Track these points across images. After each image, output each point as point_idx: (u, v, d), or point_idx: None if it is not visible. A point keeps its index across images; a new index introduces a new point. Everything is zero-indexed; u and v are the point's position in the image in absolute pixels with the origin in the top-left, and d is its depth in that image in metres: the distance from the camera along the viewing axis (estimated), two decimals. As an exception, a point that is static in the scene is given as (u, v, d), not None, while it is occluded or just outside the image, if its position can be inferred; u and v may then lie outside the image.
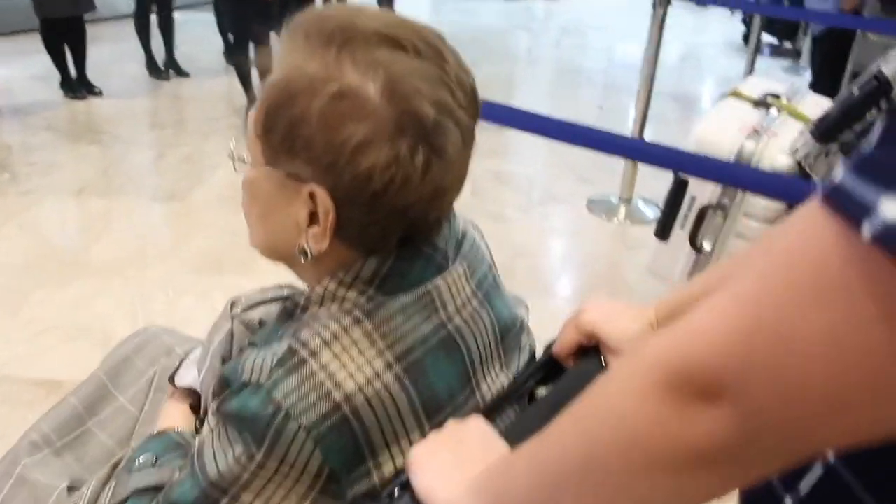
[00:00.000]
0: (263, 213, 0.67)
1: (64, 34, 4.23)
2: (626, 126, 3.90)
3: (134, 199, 3.18)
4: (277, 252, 0.69)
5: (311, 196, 0.61)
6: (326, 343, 0.61)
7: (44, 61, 4.43)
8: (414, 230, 0.66)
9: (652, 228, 2.39)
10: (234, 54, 4.01)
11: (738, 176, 1.38)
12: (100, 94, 4.42)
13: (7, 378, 2.01)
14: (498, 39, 6.86)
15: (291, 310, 0.68)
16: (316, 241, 0.63)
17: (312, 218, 0.62)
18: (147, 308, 2.34)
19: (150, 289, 2.46)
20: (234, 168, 0.67)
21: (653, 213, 3.19)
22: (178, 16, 4.85)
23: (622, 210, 3.25)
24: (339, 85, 0.57)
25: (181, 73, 4.91)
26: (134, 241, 2.81)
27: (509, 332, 0.77)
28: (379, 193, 0.60)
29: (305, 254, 0.64)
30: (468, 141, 0.64)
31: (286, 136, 0.60)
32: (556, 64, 6.40)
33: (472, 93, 0.65)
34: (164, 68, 4.87)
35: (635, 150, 1.58)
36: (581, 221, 3.21)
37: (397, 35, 0.60)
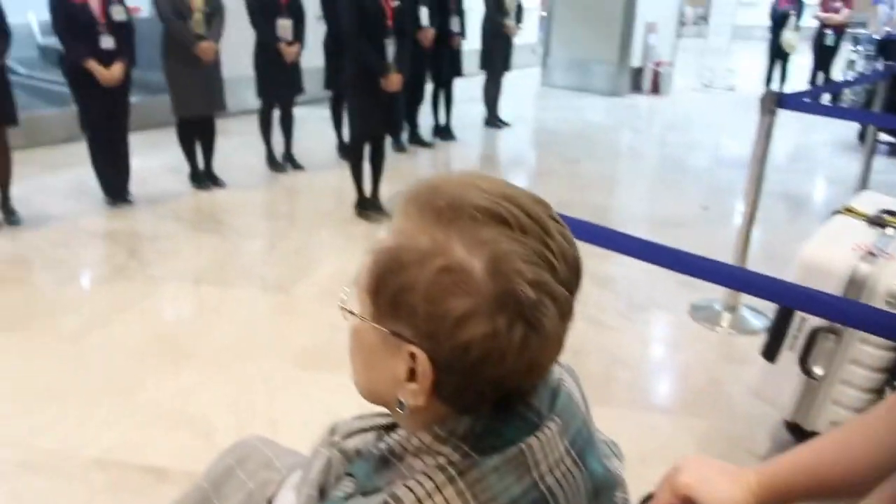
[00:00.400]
0: (366, 361, 0.71)
1: (197, 131, 4.63)
2: (731, 228, 3.80)
3: (245, 290, 3.37)
4: (377, 397, 0.72)
5: (412, 356, 0.64)
6: (420, 501, 0.63)
7: (175, 154, 4.85)
8: (509, 393, 0.68)
9: (758, 340, 2.29)
10: (350, 152, 4.24)
11: (850, 314, 1.31)
12: (223, 185, 4.77)
13: (114, 463, 2.12)
14: (602, 136, 6.93)
15: (387, 458, 0.70)
16: (413, 396, 0.66)
17: (411, 375, 0.65)
18: (248, 402, 2.44)
19: (251, 382, 2.56)
20: (344, 317, 0.71)
21: (760, 324, 3.05)
22: (297, 111, 5.21)
23: (726, 319, 3.13)
24: (445, 260, 0.61)
25: (297, 166, 5.23)
26: (241, 331, 2.95)
27: (603, 491, 0.77)
28: (476, 364, 0.62)
29: (402, 406, 0.67)
30: (566, 314, 0.66)
31: (392, 300, 0.64)
32: (659, 161, 6.37)
33: (574, 265, 0.67)
34: (282, 161, 5.21)
35: (736, 280, 1.54)
36: (682, 329, 3.11)
37: (503, 212, 0.63)
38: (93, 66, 3.91)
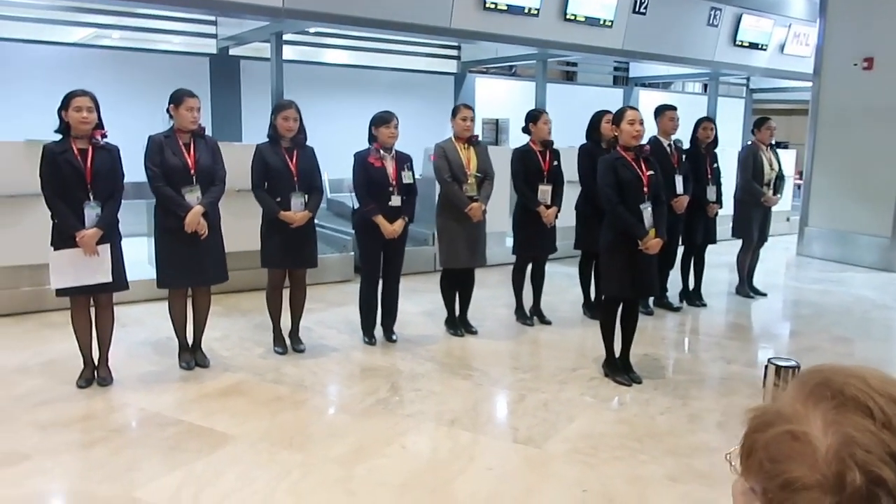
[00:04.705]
0: None
1: (458, 281, 5.02)
2: None
3: (497, 439, 3.45)
4: None
5: None
6: None
7: (433, 300, 5.25)
8: None
9: None
10: (602, 312, 4.30)
11: None
12: (475, 333, 5.04)
13: None
14: (876, 314, 6.26)
15: None
16: None
17: None
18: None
19: (505, 533, 2.56)
20: (729, 470, 0.76)
21: None
22: (546, 268, 5.44)
23: None
24: (796, 427, 0.66)
25: (543, 320, 5.38)
26: (492, 481, 3.00)
27: None
28: None
29: None
30: None
31: (748, 455, 0.70)
32: (948, 347, 5.57)
33: None
34: (530, 315, 5.40)
35: None
36: None
37: (871, 404, 0.66)
38: (381, 221, 4.48)
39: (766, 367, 1.57)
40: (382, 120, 4.53)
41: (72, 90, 3.72)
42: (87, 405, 3.70)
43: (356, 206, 4.70)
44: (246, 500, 2.76)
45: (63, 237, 3.70)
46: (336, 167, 4.58)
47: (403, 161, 4.64)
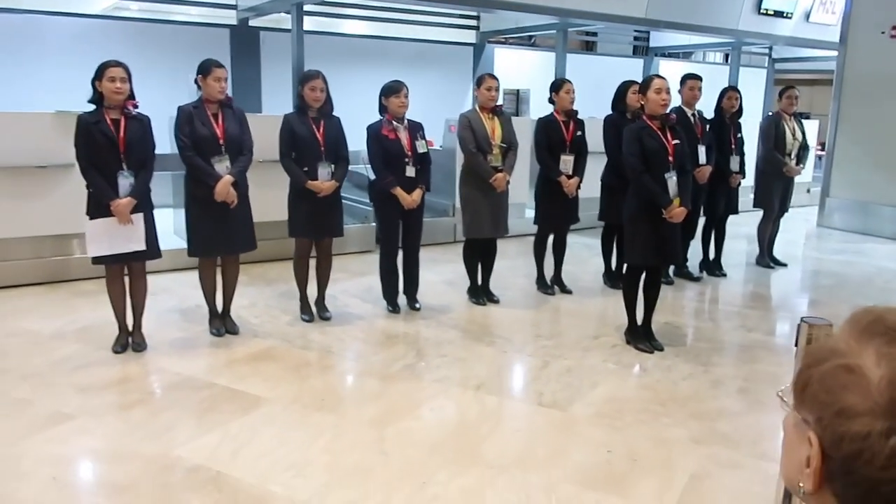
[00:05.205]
0: (787, 447, 0.81)
1: (480, 251, 5.07)
2: None
3: (522, 402, 3.53)
4: (788, 481, 0.81)
5: (810, 441, 0.72)
6: None
7: (454, 269, 5.29)
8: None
9: None
10: (625, 280, 4.34)
11: None
12: (497, 302, 5.10)
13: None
14: (895, 284, 6.26)
15: None
16: (807, 481, 0.73)
17: (809, 461, 0.73)
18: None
19: (533, 492, 2.64)
20: (780, 406, 0.82)
21: None
22: (567, 238, 5.48)
23: None
24: (850, 360, 0.71)
25: (565, 290, 5.43)
26: (520, 442, 3.08)
27: None
28: (848, 459, 0.68)
29: (798, 490, 0.75)
30: None
31: (804, 388, 0.75)
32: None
33: None
34: (551, 284, 5.45)
35: None
36: None
37: None
38: (399, 192, 4.52)
39: (799, 326, 1.61)
40: (392, 90, 4.54)
41: (105, 60, 3.77)
42: (123, 369, 3.82)
43: (372, 177, 4.74)
44: (283, 459, 2.86)
45: (98, 206, 3.78)
46: (354, 139, 4.62)
47: (416, 130, 4.65)
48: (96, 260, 3.88)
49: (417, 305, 4.91)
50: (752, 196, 6.51)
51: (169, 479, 2.72)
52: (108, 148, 3.75)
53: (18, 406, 3.32)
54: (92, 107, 3.80)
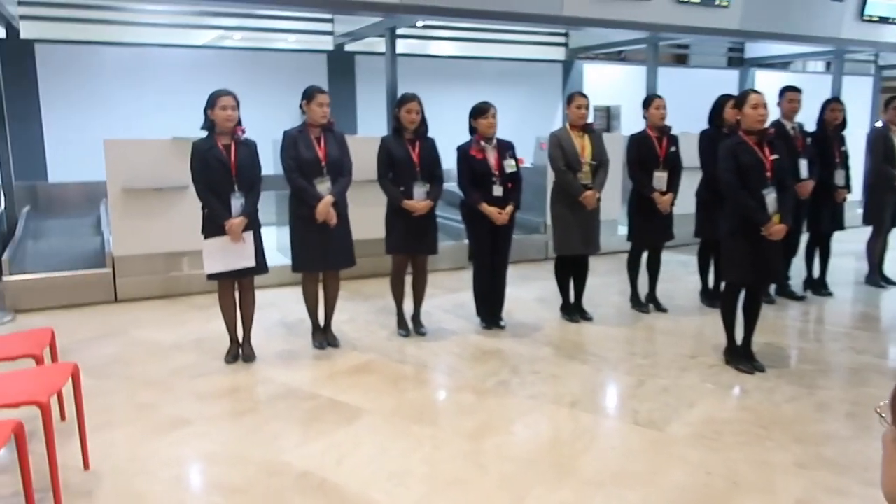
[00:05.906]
0: (886, 462, 0.83)
1: (572, 268, 5.09)
2: None
3: (618, 421, 3.53)
4: (889, 496, 0.84)
5: None
6: None
7: (545, 286, 5.31)
8: None
9: None
10: (724, 299, 4.25)
11: None
12: (590, 319, 5.10)
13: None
14: None
15: None
16: None
17: None
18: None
19: (632, 510, 2.65)
20: (879, 422, 0.85)
21: None
22: (662, 256, 5.41)
23: None
24: None
25: (660, 308, 5.37)
26: (616, 460, 3.08)
27: None
28: None
29: None
30: None
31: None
32: None
33: None
34: (645, 302, 5.39)
35: None
36: None
37: None
38: (486, 208, 4.60)
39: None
40: (480, 111, 4.65)
41: (216, 90, 4.06)
42: (234, 379, 4.06)
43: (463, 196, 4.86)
44: (384, 468, 2.98)
45: (213, 226, 4.05)
46: (447, 158, 4.75)
47: (506, 149, 4.72)
48: (211, 276, 4.15)
49: (502, 323, 4.96)
50: (858, 211, 6.23)
51: (279, 483, 2.88)
52: (222, 172, 4.02)
53: (144, 410, 3.60)
54: (204, 133, 4.08)
